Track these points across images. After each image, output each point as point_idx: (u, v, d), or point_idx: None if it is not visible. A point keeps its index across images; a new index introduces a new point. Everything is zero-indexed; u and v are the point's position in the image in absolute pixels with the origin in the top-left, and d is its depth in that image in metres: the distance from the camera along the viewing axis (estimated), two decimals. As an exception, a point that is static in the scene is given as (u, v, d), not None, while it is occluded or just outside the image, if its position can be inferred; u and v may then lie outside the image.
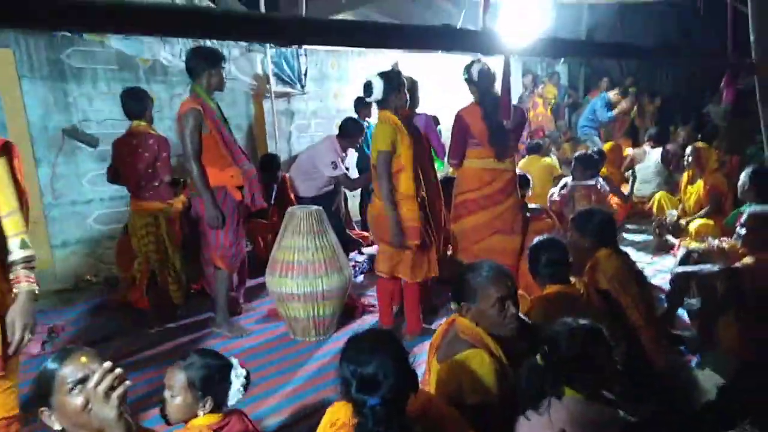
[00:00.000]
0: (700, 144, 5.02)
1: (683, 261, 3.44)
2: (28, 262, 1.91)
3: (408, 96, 3.79)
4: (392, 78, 3.30)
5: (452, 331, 2.01)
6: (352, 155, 5.50)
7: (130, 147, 3.82)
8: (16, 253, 1.89)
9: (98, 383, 1.31)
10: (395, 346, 1.58)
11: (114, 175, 4.03)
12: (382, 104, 3.32)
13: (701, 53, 2.77)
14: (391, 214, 3.19)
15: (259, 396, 2.93)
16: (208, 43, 4.62)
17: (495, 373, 1.85)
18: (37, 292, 1.95)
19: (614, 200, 5.49)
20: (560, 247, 2.58)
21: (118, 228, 4.65)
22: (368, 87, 3.30)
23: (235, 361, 1.95)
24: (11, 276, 1.89)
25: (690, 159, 4.81)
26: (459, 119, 3.56)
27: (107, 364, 1.36)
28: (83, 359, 1.47)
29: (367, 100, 3.37)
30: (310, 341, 3.60)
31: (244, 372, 1.93)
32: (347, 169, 5.16)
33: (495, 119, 3.41)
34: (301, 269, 3.47)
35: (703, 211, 4.71)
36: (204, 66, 3.41)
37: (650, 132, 7.28)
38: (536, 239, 2.67)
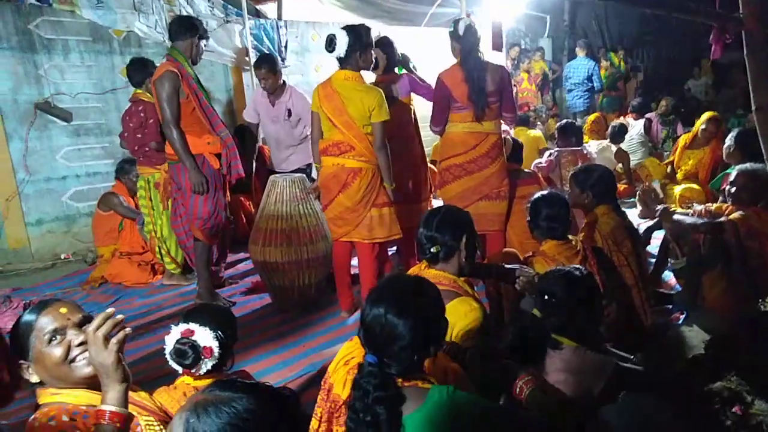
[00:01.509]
0: (716, 114, 5.04)
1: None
2: None
3: (384, 58, 3.68)
4: (360, 34, 3.03)
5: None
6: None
7: (129, 113, 4.01)
8: None
9: (98, 327, 1.25)
10: (424, 302, 1.44)
11: (122, 141, 4.24)
12: (343, 62, 3.06)
13: (692, 6, 2.73)
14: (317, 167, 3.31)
15: (243, 364, 2.86)
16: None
17: (483, 316, 1.86)
18: None
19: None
20: (562, 202, 2.55)
21: (93, 204, 4.52)
22: (331, 41, 3.02)
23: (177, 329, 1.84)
24: None
25: (705, 127, 4.84)
26: (440, 83, 3.45)
27: (110, 309, 1.30)
28: (62, 309, 1.39)
29: (329, 55, 3.10)
30: (295, 310, 3.54)
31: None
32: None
33: (476, 80, 3.32)
34: (284, 237, 3.39)
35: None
36: (187, 33, 3.33)
37: (633, 104, 7.35)
38: (539, 193, 2.64)
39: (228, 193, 3.62)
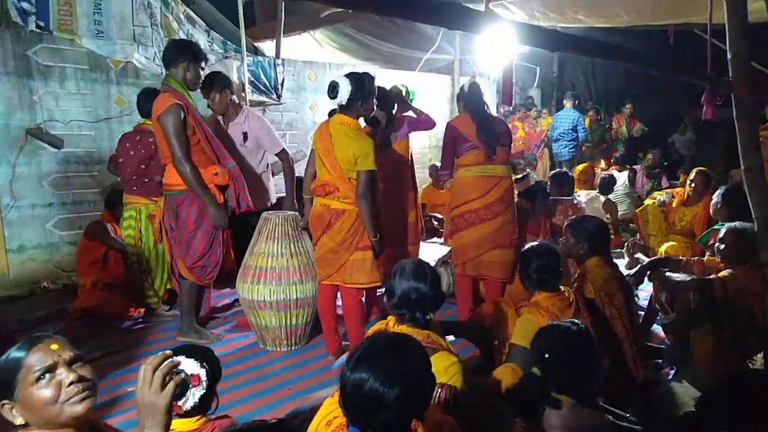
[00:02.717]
0: (704, 169, 5.10)
1: (657, 263, 3.44)
2: None
3: (384, 116, 3.73)
4: (363, 83, 3.00)
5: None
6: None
7: (132, 142, 3.90)
8: None
9: (157, 367, 1.17)
10: (411, 365, 1.29)
11: (114, 166, 4.16)
12: (344, 109, 3.02)
13: (690, 68, 2.83)
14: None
15: (227, 406, 2.77)
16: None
17: (463, 368, 1.85)
18: None
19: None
20: (553, 253, 2.55)
21: (79, 234, 4.43)
22: (334, 88, 2.98)
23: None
24: None
25: (695, 181, 4.82)
26: (449, 128, 3.55)
27: (167, 351, 1.22)
28: (53, 346, 1.30)
29: (332, 101, 3.07)
30: (280, 351, 3.47)
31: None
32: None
33: (484, 119, 3.43)
34: (274, 276, 3.35)
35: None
36: (180, 56, 3.23)
37: (616, 156, 7.57)
38: (528, 245, 2.64)
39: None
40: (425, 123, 3.96)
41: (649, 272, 3.34)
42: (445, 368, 1.86)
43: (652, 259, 3.41)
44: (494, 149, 3.42)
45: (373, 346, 1.30)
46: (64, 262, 4.73)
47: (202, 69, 3.37)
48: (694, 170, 4.94)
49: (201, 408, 1.78)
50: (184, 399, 1.71)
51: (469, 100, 3.50)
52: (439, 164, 4.00)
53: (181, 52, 3.25)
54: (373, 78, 3.13)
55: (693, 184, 4.78)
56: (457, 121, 3.54)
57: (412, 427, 1.38)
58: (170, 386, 1.17)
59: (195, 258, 3.35)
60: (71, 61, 4.72)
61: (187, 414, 1.75)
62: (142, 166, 3.85)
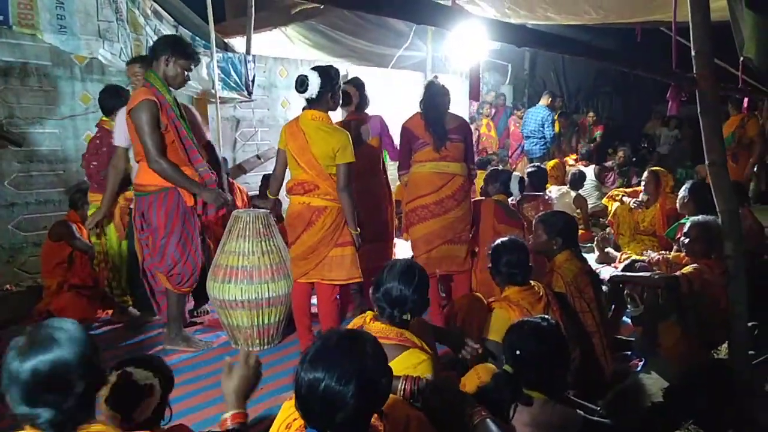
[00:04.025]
0: (657, 168, 5.16)
1: (627, 270, 3.52)
2: None
3: (357, 95, 3.78)
4: (331, 76, 3.04)
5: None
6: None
7: (93, 141, 3.89)
8: None
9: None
10: (366, 361, 1.26)
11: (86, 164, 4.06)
12: (314, 103, 3.04)
13: (655, 65, 2.88)
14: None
15: (199, 407, 2.73)
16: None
17: (434, 366, 1.83)
18: None
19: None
20: (522, 248, 2.57)
21: (43, 234, 4.30)
22: (303, 82, 2.99)
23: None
24: None
25: (646, 183, 4.86)
26: (403, 130, 3.63)
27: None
28: None
29: (300, 96, 3.06)
30: (253, 351, 3.41)
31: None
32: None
33: (433, 114, 3.47)
34: (245, 274, 3.30)
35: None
36: (163, 51, 3.10)
37: (581, 152, 7.70)
38: (498, 240, 2.66)
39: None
40: (389, 141, 3.95)
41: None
42: (414, 365, 1.86)
43: (620, 272, 3.51)
44: (443, 143, 3.46)
45: (325, 345, 1.27)
46: (28, 263, 4.59)
47: (190, 70, 3.23)
48: (647, 171, 5.04)
49: (154, 419, 1.74)
50: (138, 411, 1.68)
51: (422, 98, 3.55)
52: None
53: (164, 47, 3.13)
54: (338, 71, 3.14)
55: (644, 184, 4.87)
56: (409, 122, 3.60)
57: (377, 425, 1.37)
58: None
59: (169, 266, 3.22)
60: (33, 56, 4.57)
61: (141, 425, 1.70)
62: (94, 163, 3.81)
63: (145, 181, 3.16)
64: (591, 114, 9.69)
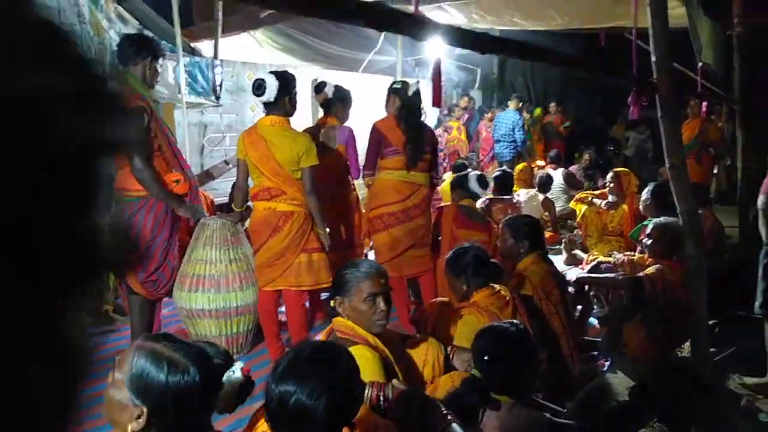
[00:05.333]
0: (619, 169, 5.23)
1: (593, 271, 3.59)
2: None
3: (342, 107, 3.81)
4: (288, 79, 3.02)
5: (332, 334, 1.96)
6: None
7: None
8: None
9: None
10: (338, 374, 1.25)
11: None
12: (271, 107, 3.00)
13: (618, 70, 2.95)
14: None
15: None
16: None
17: (381, 367, 1.79)
18: None
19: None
20: (483, 253, 2.58)
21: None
22: (260, 86, 2.95)
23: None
24: None
25: (611, 184, 4.95)
26: (374, 129, 3.57)
27: None
28: None
29: (257, 99, 3.03)
30: (221, 361, 3.37)
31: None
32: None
33: (415, 130, 3.43)
34: (213, 283, 3.24)
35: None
36: (139, 55, 2.98)
37: (550, 155, 7.82)
38: (458, 246, 2.67)
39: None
40: (353, 152, 3.86)
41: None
42: (360, 362, 1.82)
43: (586, 274, 3.58)
44: (417, 161, 3.48)
45: (297, 357, 1.25)
46: None
47: (160, 66, 3.16)
48: (611, 172, 5.14)
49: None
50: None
51: (406, 104, 3.50)
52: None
53: (141, 49, 3.01)
54: (294, 76, 3.13)
55: (610, 185, 4.96)
56: (382, 124, 3.55)
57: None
58: None
59: (150, 271, 3.12)
60: None
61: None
62: None
63: (131, 186, 3.02)
64: (552, 104, 9.85)
